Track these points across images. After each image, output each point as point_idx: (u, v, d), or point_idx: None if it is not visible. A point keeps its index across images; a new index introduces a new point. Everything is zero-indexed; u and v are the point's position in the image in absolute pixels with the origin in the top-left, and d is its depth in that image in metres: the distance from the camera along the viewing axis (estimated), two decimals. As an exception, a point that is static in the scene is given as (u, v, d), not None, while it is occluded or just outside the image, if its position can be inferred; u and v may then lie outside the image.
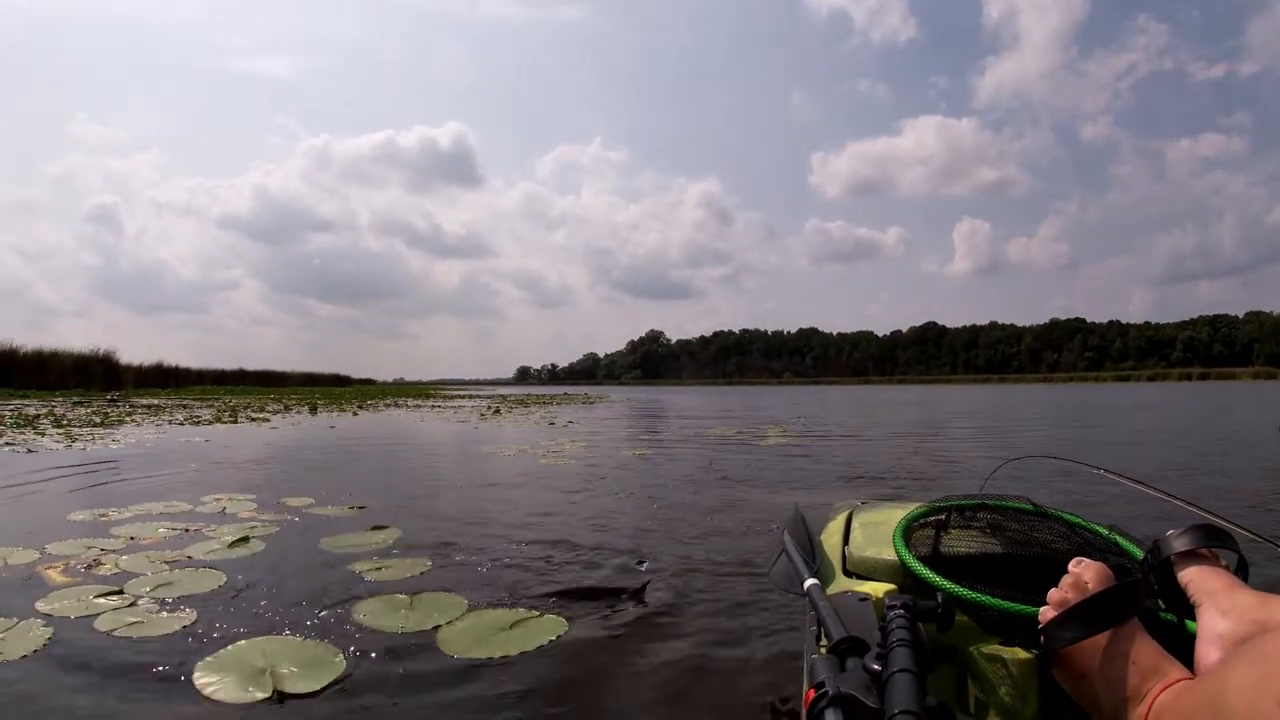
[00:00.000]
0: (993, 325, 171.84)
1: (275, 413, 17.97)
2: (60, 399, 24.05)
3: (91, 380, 34.80)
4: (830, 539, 1.78)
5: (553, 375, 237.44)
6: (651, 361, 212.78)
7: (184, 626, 2.55)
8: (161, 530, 4.07)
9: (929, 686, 0.92)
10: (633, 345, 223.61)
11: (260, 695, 2.00)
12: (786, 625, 2.60)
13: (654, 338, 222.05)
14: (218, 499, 5.08)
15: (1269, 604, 1.01)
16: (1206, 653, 1.01)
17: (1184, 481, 6.19)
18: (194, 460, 7.69)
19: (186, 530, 4.07)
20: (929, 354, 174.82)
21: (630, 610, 2.77)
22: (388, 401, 28.08)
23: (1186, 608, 1.13)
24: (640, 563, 3.46)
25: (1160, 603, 1.20)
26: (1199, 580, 1.12)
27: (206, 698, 2.00)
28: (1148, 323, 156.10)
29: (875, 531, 1.67)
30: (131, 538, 3.89)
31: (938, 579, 1.33)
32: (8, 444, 9.05)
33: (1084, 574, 1.16)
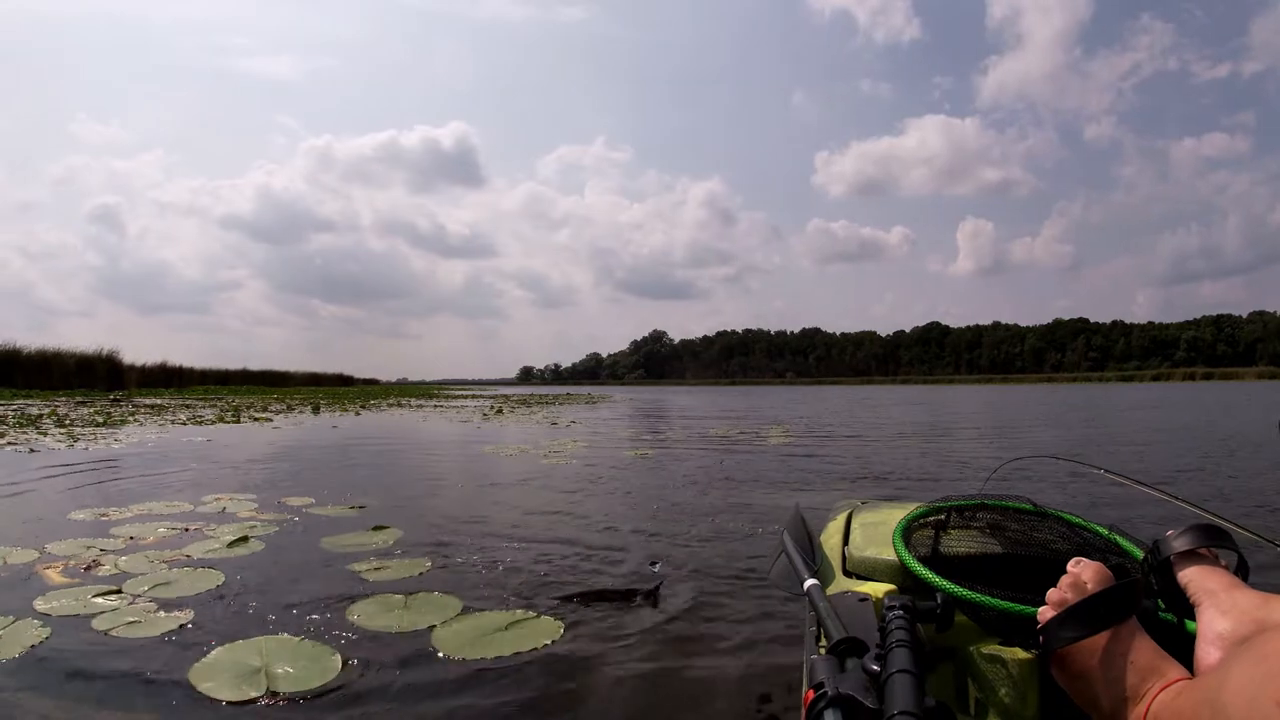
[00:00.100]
0: (996, 325, 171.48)
1: (278, 413, 17.99)
2: (63, 399, 24.10)
3: (95, 380, 34.88)
4: (830, 539, 1.77)
5: (556, 375, 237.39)
6: (654, 362, 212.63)
7: (181, 626, 2.54)
8: (161, 530, 4.06)
9: (928, 687, 0.91)
10: (636, 345, 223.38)
11: (254, 694, 2.00)
12: (786, 625, 2.59)
13: (657, 338, 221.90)
14: (218, 499, 5.08)
15: (1269, 604, 1.00)
16: (1206, 652, 1.00)
17: (1187, 482, 6.17)
18: (195, 460, 7.70)
19: (186, 530, 4.07)
20: (932, 354, 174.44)
21: (629, 612, 2.76)
22: (391, 401, 28.11)
23: (1186, 607, 1.13)
24: (653, 563, 3.46)
25: (1160, 602, 1.19)
26: (1199, 580, 1.12)
27: (201, 696, 2.00)
28: (1151, 323, 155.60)
29: (875, 532, 1.66)
30: (131, 537, 3.88)
31: (937, 579, 1.32)
32: (10, 444, 9.06)
33: (1083, 574, 1.15)
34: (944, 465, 7.73)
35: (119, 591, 2.91)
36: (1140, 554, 1.32)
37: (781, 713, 1.97)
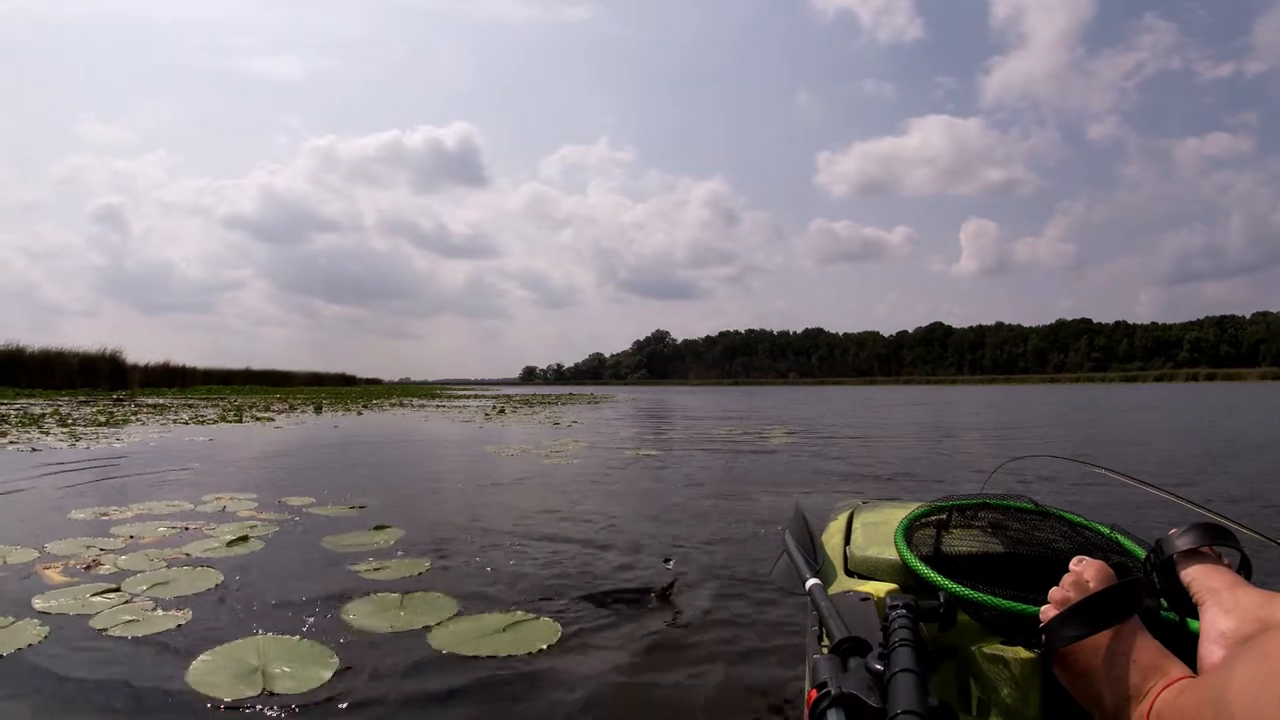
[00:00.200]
0: (999, 325, 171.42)
1: (280, 412, 18.00)
2: (66, 398, 24.13)
3: (98, 380, 34.93)
4: (832, 539, 1.76)
5: (558, 375, 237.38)
6: (657, 362, 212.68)
7: (178, 625, 2.54)
8: (161, 529, 4.06)
9: (931, 686, 0.91)
10: (638, 345, 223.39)
11: (250, 694, 2.00)
12: (787, 625, 2.58)
13: (660, 338, 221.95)
14: (219, 498, 5.08)
15: (1272, 602, 1.00)
16: (1210, 651, 1.00)
17: (1190, 482, 6.15)
18: (197, 459, 7.70)
19: (186, 529, 4.07)
20: (935, 354, 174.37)
21: (628, 612, 2.75)
22: (393, 401, 28.14)
23: (1189, 606, 1.12)
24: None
25: (1162, 601, 1.19)
26: (1202, 579, 1.11)
27: (198, 695, 1.99)
28: (1154, 323, 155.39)
29: (877, 531, 1.65)
30: (131, 536, 3.88)
31: (939, 578, 1.32)
32: (12, 443, 9.07)
33: (1085, 572, 1.15)
34: (946, 465, 7.72)
35: (117, 590, 2.91)
36: (1142, 553, 1.32)
37: (784, 712, 1.97)
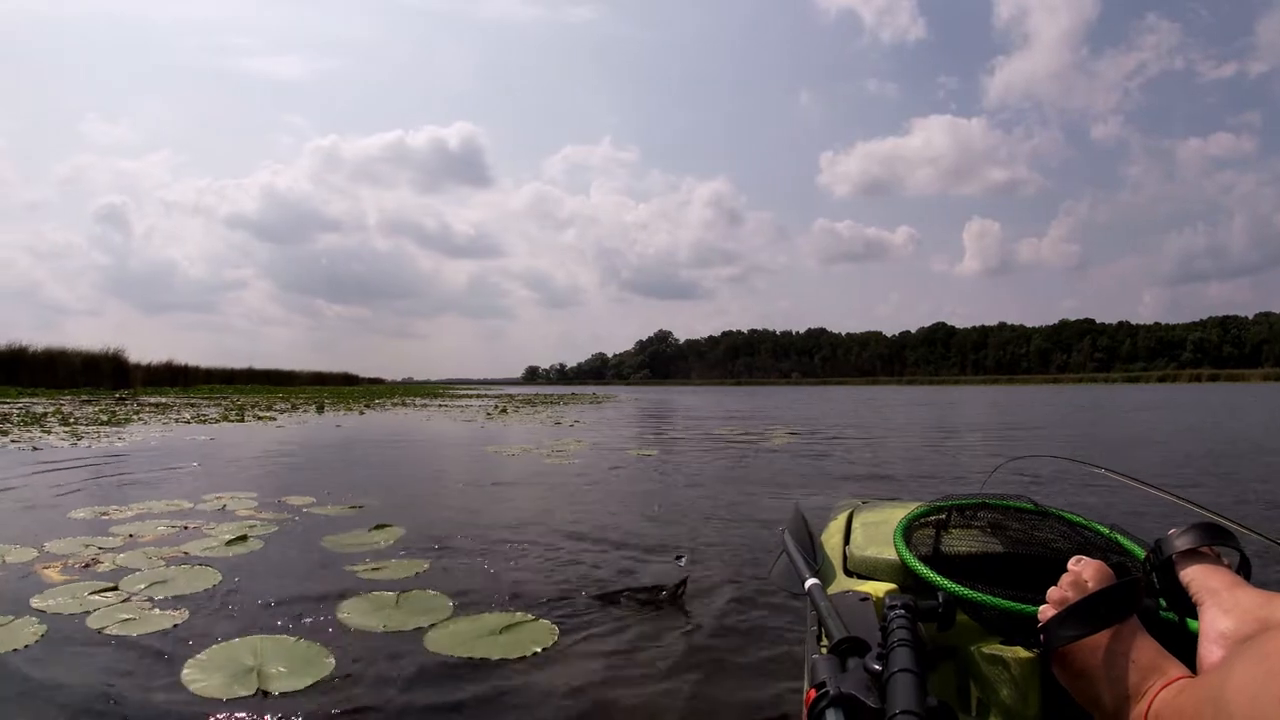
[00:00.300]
0: (1002, 326, 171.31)
1: (282, 412, 18.02)
2: (69, 397, 24.17)
3: (100, 379, 34.94)
4: (831, 539, 1.76)
5: (561, 375, 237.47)
6: (660, 362, 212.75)
7: (175, 624, 2.53)
8: (160, 528, 4.06)
9: (930, 686, 0.90)
10: (641, 345, 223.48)
11: (246, 693, 1.99)
12: (786, 625, 2.57)
13: (662, 338, 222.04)
14: (219, 497, 5.07)
15: (1272, 602, 0.99)
16: (1209, 651, 0.99)
17: (1196, 483, 6.14)
18: (198, 458, 7.70)
19: (185, 528, 4.06)
20: (938, 354, 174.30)
21: (627, 612, 2.74)
22: (395, 401, 28.16)
23: (1188, 606, 1.12)
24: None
25: (1161, 601, 1.19)
26: (1201, 579, 1.11)
27: (194, 695, 1.99)
28: (1157, 323, 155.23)
29: (876, 531, 1.65)
30: (130, 535, 3.88)
31: (938, 578, 1.31)
32: (13, 442, 9.07)
33: (1083, 572, 1.14)
34: (948, 466, 7.71)
35: (115, 589, 2.90)
36: (1141, 553, 1.32)
37: (783, 712, 1.96)
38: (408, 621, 2.58)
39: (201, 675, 2.09)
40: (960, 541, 1.46)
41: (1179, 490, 1.57)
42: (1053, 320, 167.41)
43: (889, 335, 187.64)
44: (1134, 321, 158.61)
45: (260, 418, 15.28)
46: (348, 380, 71.88)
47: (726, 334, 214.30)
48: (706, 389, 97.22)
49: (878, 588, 1.37)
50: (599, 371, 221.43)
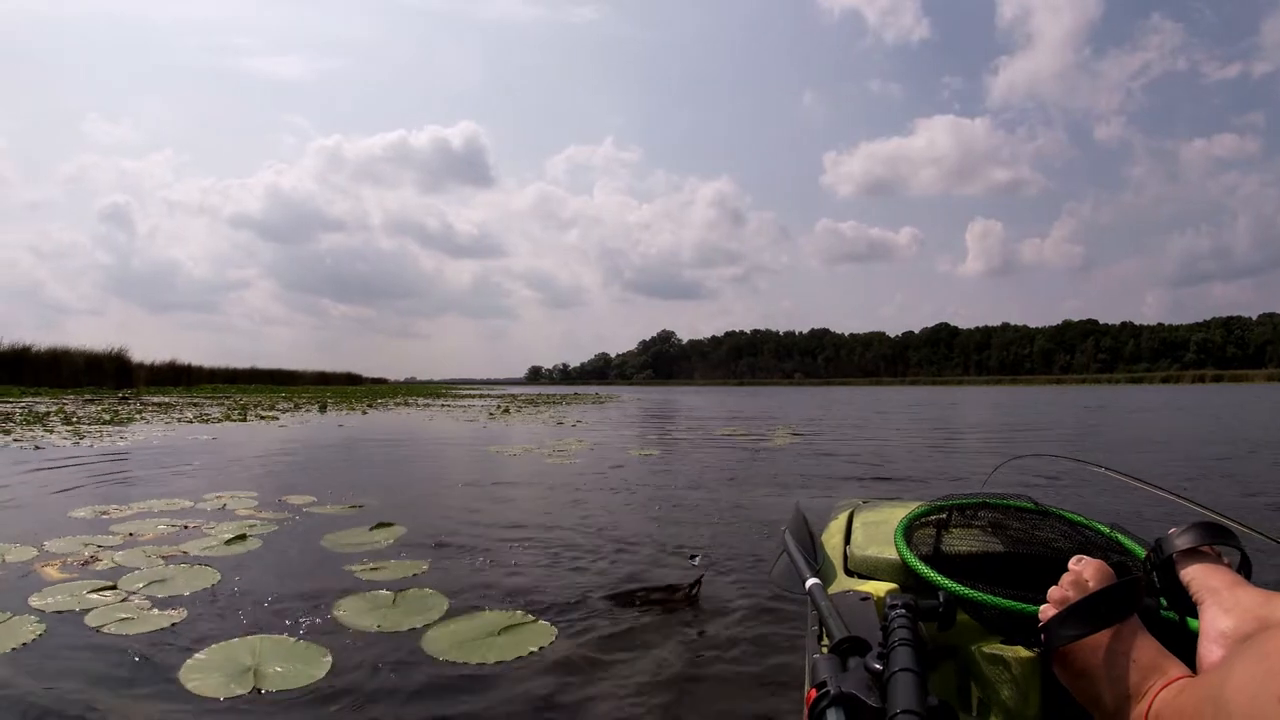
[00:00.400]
0: (1005, 326, 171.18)
1: (285, 411, 18.04)
2: (72, 397, 24.20)
3: (103, 378, 34.98)
4: (831, 538, 1.75)
5: (564, 375, 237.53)
6: (663, 362, 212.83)
7: (173, 624, 2.53)
8: (160, 527, 4.05)
9: (931, 685, 0.90)
10: (644, 345, 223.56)
11: (240, 692, 1.99)
12: (787, 624, 2.56)
13: (665, 338, 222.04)
14: (219, 496, 5.07)
15: (1272, 601, 0.99)
16: (1209, 650, 0.99)
17: (1197, 483, 6.12)
18: (200, 458, 7.71)
19: (185, 527, 4.06)
20: (941, 355, 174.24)
21: (623, 614, 2.73)
22: (398, 401, 28.18)
23: (1188, 606, 1.12)
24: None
25: (1162, 600, 1.19)
26: (1201, 578, 1.11)
27: (190, 694, 1.98)
28: (1161, 324, 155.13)
29: (876, 531, 1.64)
30: (130, 534, 3.87)
31: (939, 578, 1.31)
32: (16, 441, 9.08)
33: (1084, 572, 1.14)
34: (950, 465, 7.69)
35: (114, 588, 2.90)
36: (1142, 552, 1.32)
37: (784, 712, 1.95)
38: (406, 621, 2.58)
39: (199, 674, 2.08)
40: (961, 541, 1.46)
41: (1183, 490, 1.57)
42: (1056, 321, 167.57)
43: (892, 336, 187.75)
44: (1137, 322, 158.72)
45: (263, 417, 15.29)
46: (351, 380, 71.98)
47: (729, 334, 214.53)
48: (709, 389, 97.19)
49: (878, 587, 1.37)
50: (602, 372, 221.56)
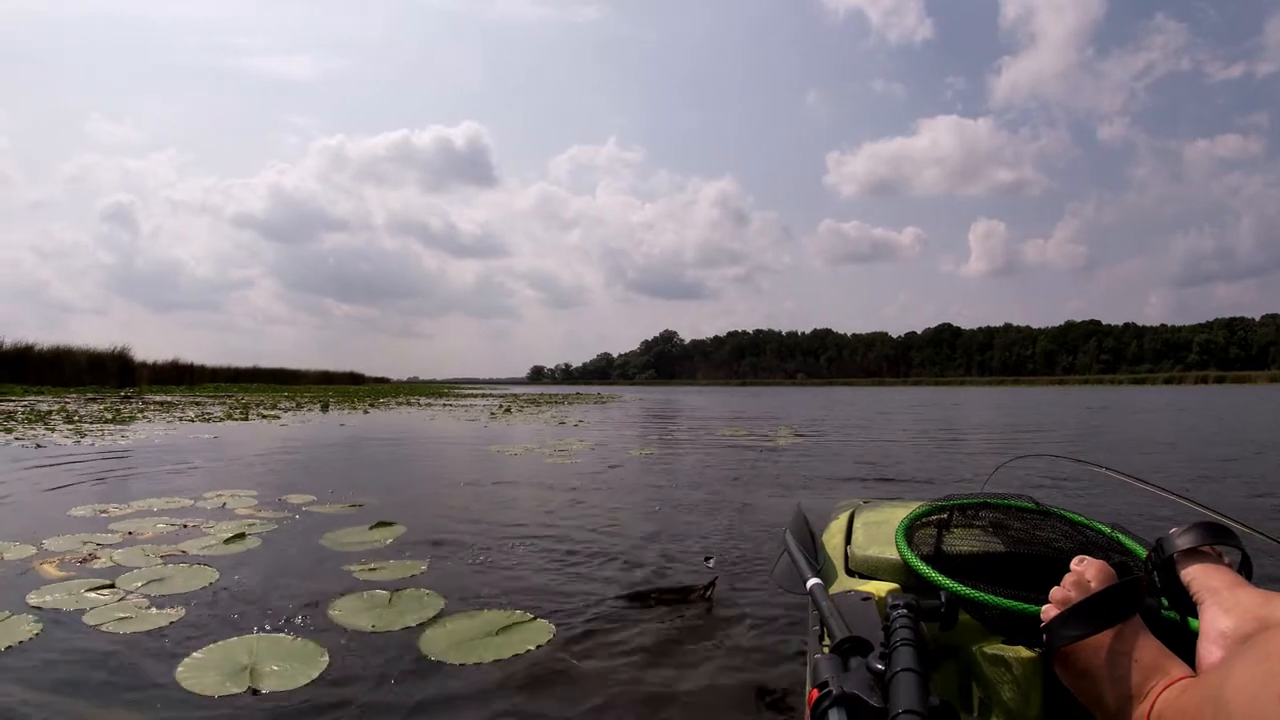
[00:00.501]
0: (1008, 327, 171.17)
1: (287, 410, 18.04)
2: (74, 395, 24.25)
3: (106, 377, 35.05)
4: (832, 538, 1.77)
5: (567, 375, 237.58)
6: (665, 362, 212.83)
7: (171, 622, 2.52)
8: (160, 526, 4.05)
9: (932, 686, 0.92)
10: (647, 345, 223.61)
11: (236, 691, 1.98)
12: (787, 626, 2.55)
13: (668, 338, 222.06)
14: (219, 495, 5.06)
15: (1272, 602, 1.00)
16: (1208, 651, 1.00)
17: (1201, 483, 6.09)
18: (201, 456, 7.71)
19: (184, 526, 4.05)
20: (944, 355, 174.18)
21: (622, 613, 2.72)
22: (400, 400, 28.19)
23: (1190, 605, 1.12)
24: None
25: (1163, 600, 1.20)
26: (1202, 578, 1.12)
27: (187, 692, 1.97)
28: (1164, 325, 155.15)
29: (877, 531, 1.66)
30: (129, 533, 3.87)
31: (940, 578, 1.32)
32: (17, 439, 9.08)
33: (1086, 572, 1.15)
34: (952, 466, 7.68)
35: (112, 587, 2.89)
36: (1143, 552, 1.33)
37: (785, 712, 1.94)
38: (404, 620, 2.56)
39: (195, 673, 2.08)
40: (962, 541, 1.47)
41: (1184, 490, 1.56)
42: (1058, 321, 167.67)
43: (895, 336, 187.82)
44: (1140, 323, 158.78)
45: (265, 416, 15.29)
46: (353, 379, 72.07)
47: (732, 334, 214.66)
48: (711, 389, 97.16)
49: (880, 587, 1.38)
50: (604, 371, 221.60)
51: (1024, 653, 1.19)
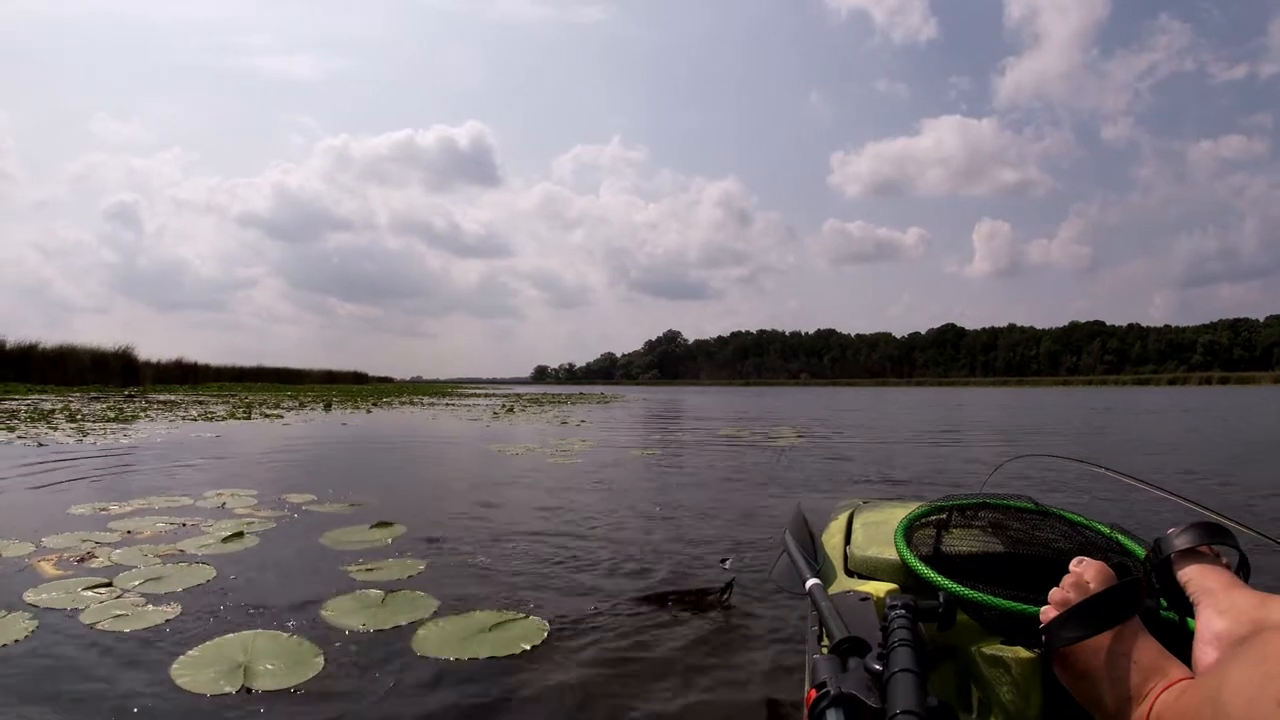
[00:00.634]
0: (1011, 327, 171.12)
1: (290, 409, 18.06)
2: (77, 394, 24.28)
3: (109, 376, 35.11)
4: (832, 539, 1.78)
5: (570, 375, 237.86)
6: (669, 362, 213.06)
7: (167, 620, 2.52)
8: (159, 524, 4.04)
9: (930, 686, 0.92)
10: (650, 345, 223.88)
11: (230, 690, 1.97)
12: (785, 625, 2.54)
13: (671, 338, 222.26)
14: (219, 494, 5.06)
15: (1267, 604, 1.01)
16: (1203, 652, 1.02)
17: (1209, 486, 6.07)
18: (202, 455, 7.71)
19: (184, 525, 4.05)
20: (947, 356, 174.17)
21: (620, 613, 2.70)
22: (403, 399, 28.23)
23: (1188, 606, 1.13)
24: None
25: (1162, 601, 1.20)
26: (1198, 579, 1.13)
27: (181, 691, 1.97)
28: (1168, 326, 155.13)
29: (876, 531, 1.66)
30: (128, 531, 3.86)
31: (939, 578, 1.32)
32: (19, 438, 9.10)
33: (1085, 573, 1.15)
34: (954, 466, 7.66)
35: (109, 585, 2.89)
36: (1142, 553, 1.33)
37: (783, 712, 1.93)
38: (401, 620, 2.55)
39: (189, 671, 2.07)
40: (961, 541, 1.47)
41: (1181, 490, 1.55)
42: (1063, 322, 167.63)
43: (898, 336, 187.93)
44: (1144, 324, 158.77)
45: (267, 415, 15.30)
46: (357, 379, 72.10)
47: (735, 334, 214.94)
48: (715, 389, 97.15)
49: (878, 588, 1.38)
50: (608, 371, 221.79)
51: (1022, 653, 1.19)
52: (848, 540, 1.68)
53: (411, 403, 25.30)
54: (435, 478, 6.56)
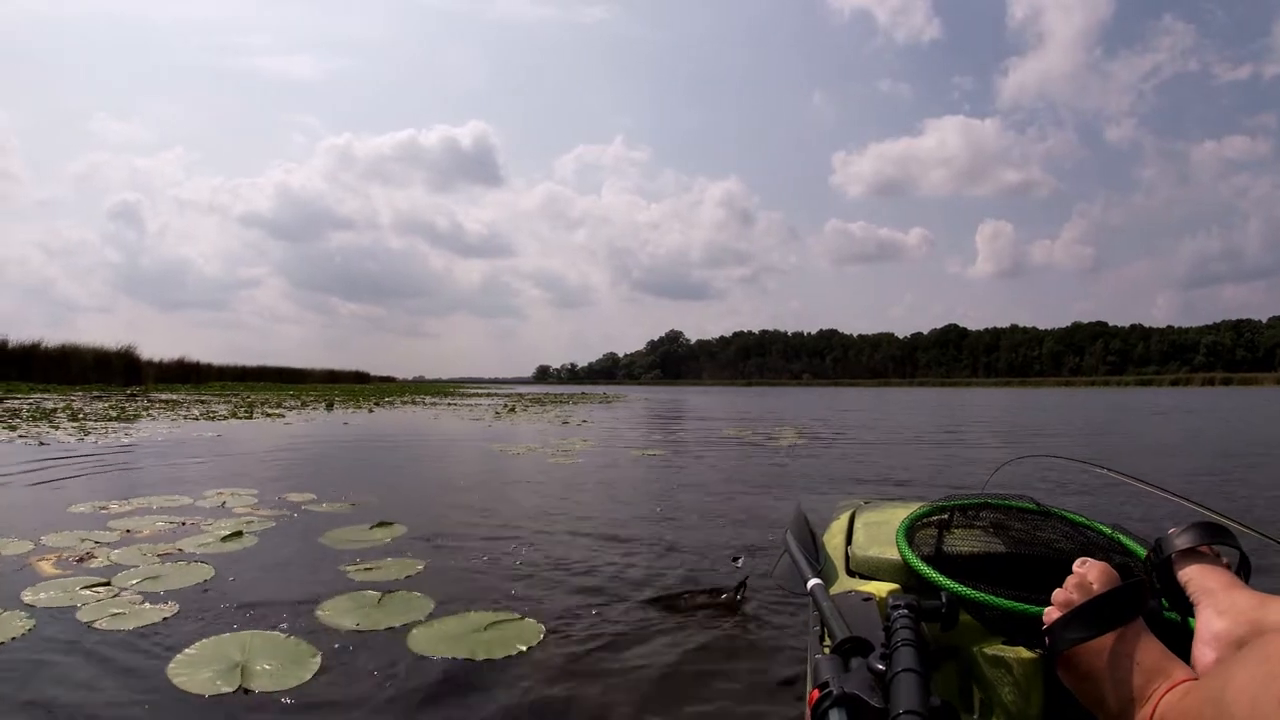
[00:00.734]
0: (1014, 328, 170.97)
1: (292, 409, 18.06)
2: (80, 393, 24.30)
3: (112, 375, 35.14)
4: (833, 539, 1.78)
5: (572, 375, 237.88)
6: (671, 362, 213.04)
7: (164, 619, 2.51)
8: (158, 523, 4.04)
9: (933, 686, 0.92)
10: (652, 345, 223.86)
11: (226, 689, 1.97)
12: (786, 625, 2.52)
13: (674, 338, 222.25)
14: (219, 493, 5.05)
15: (1266, 604, 1.01)
16: (1202, 653, 1.02)
17: (1213, 486, 6.06)
18: (203, 455, 7.72)
19: (183, 524, 4.04)
20: (950, 356, 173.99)
21: (619, 613, 2.70)
22: (405, 399, 28.24)
23: (1189, 606, 1.13)
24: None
25: (1164, 601, 1.20)
26: (1198, 579, 1.13)
27: (177, 690, 1.96)
28: (1171, 326, 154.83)
29: (878, 531, 1.66)
30: (127, 530, 3.86)
31: (941, 578, 1.32)
32: (21, 437, 9.10)
33: (1088, 574, 1.15)
34: (955, 466, 7.65)
35: (107, 584, 2.88)
36: (1144, 553, 1.33)
37: (786, 713, 1.92)
38: (399, 620, 2.54)
39: (186, 671, 2.06)
40: (963, 541, 1.46)
41: (1183, 490, 1.55)
42: (1065, 323, 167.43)
43: (901, 337, 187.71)
44: (1147, 324, 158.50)
45: (269, 415, 15.31)
46: (360, 378, 72.17)
47: (738, 334, 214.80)
48: (717, 389, 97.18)
49: (880, 588, 1.38)
50: (610, 371, 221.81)
51: (1025, 654, 1.19)
52: (849, 540, 1.68)
53: (413, 402, 25.31)
54: (436, 478, 6.55)
